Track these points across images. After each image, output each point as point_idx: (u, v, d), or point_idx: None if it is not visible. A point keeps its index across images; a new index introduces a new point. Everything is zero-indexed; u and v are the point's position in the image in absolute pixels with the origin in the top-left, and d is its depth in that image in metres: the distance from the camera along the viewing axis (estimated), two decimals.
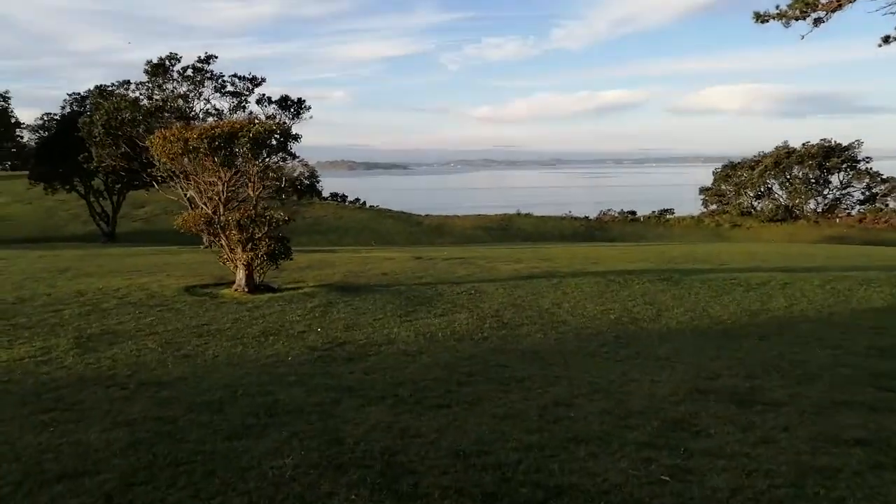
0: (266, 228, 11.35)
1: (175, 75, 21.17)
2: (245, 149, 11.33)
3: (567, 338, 8.48)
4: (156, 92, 20.85)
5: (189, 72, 21.34)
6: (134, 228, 39.92)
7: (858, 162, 62.68)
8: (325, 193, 69.03)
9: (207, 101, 22.36)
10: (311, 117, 22.98)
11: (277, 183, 20.19)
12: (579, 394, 6.08)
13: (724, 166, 66.00)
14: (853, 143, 61.56)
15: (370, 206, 67.06)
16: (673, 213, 67.08)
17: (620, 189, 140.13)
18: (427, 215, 61.12)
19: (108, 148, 21.01)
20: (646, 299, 11.33)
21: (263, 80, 22.48)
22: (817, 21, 13.46)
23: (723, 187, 66.57)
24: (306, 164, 63.12)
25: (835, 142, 61.69)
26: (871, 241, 51.66)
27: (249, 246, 11.24)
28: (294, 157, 22.99)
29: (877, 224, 58.20)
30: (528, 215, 62.36)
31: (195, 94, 22.00)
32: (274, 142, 12.25)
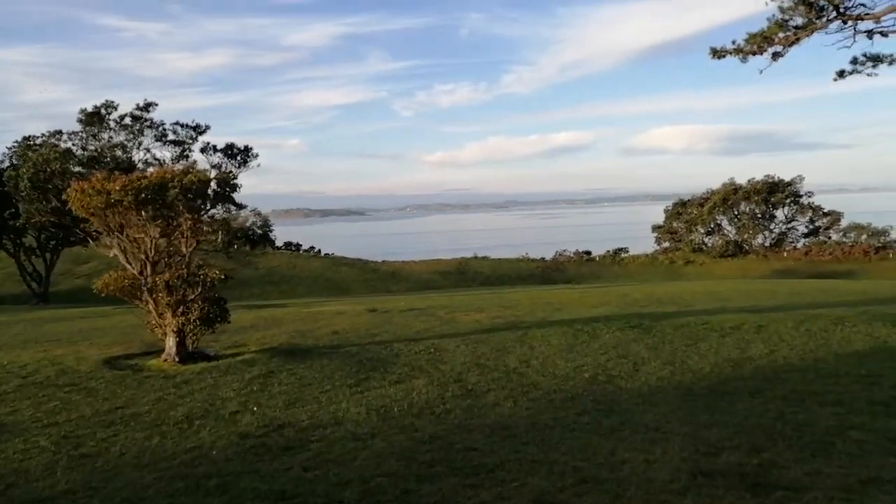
0: (200, 289, 10.09)
1: (112, 124, 19.87)
2: (176, 201, 10.14)
3: (540, 405, 7.42)
4: (90, 142, 19.49)
5: (127, 120, 20.07)
6: (76, 286, 37.62)
7: (801, 197, 64.23)
8: (279, 242, 67.35)
9: (148, 150, 21.06)
10: (258, 165, 21.90)
11: (216, 237, 18.86)
12: (564, 486, 5.01)
13: (675, 204, 67.00)
14: (795, 178, 63.20)
15: (325, 255, 65.62)
16: (627, 251, 67.48)
17: (574, 229, 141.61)
18: (383, 261, 60.00)
19: (36, 203, 19.41)
20: (619, 351, 10.39)
21: (207, 127, 21.36)
22: (775, 55, 13.10)
23: (674, 224, 67.40)
24: (259, 214, 61.59)
25: (778, 178, 63.23)
26: (818, 274, 52.48)
27: (181, 310, 9.95)
28: (240, 206, 21.72)
29: (822, 256, 59.30)
30: (484, 258, 61.81)
31: (134, 144, 20.68)
32: (211, 192, 11.09)
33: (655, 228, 68.67)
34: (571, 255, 65.67)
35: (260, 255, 56.67)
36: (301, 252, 65.68)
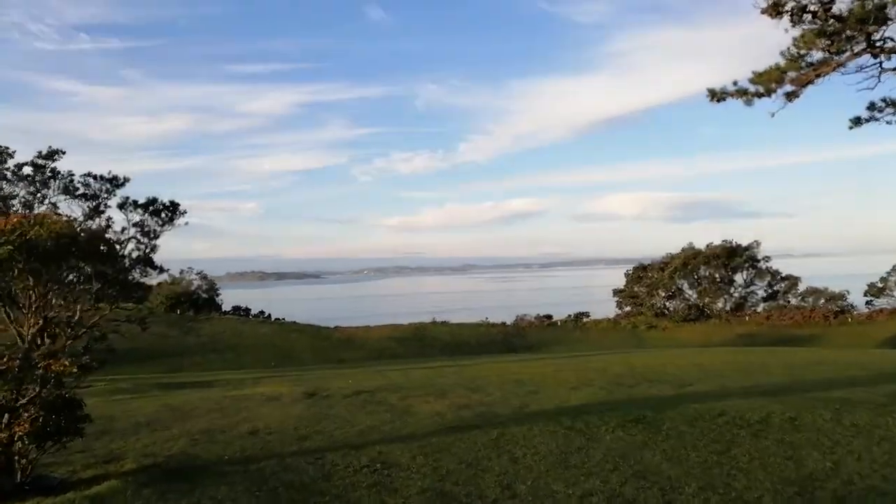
0: (38, 389, 6.99)
1: (7, 174, 16.80)
2: (13, 264, 7.16)
3: None
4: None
5: (27, 170, 17.02)
6: None
7: (758, 261, 63.59)
8: (227, 307, 63.31)
9: (54, 205, 17.88)
10: (186, 223, 18.86)
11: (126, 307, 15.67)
12: None
13: (636, 268, 65.60)
14: (752, 243, 62.63)
15: (275, 320, 61.67)
16: (588, 315, 65.40)
17: (531, 292, 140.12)
18: (336, 327, 56.37)
19: None
20: (631, 466, 7.61)
21: (126, 180, 18.37)
22: (790, 95, 10.98)
23: (635, 289, 65.79)
24: (204, 277, 57.82)
25: (735, 243, 62.61)
26: (781, 338, 51.02)
27: (6, 420, 6.81)
28: (160, 270, 18.55)
29: (783, 321, 58.11)
30: (443, 323, 58.75)
31: (36, 198, 17.52)
32: (75, 250, 8.14)
33: (616, 292, 67.01)
34: (532, 319, 63.24)
35: (205, 320, 52.60)
36: (250, 317, 61.64)
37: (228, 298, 70.64)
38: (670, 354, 25.22)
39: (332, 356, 46.34)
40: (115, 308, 17.62)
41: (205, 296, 55.03)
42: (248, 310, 65.97)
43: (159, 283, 57.20)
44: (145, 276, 18.48)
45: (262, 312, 66.02)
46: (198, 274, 55.26)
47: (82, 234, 8.35)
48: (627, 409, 10.83)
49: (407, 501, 6.42)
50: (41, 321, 7.76)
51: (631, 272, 66.35)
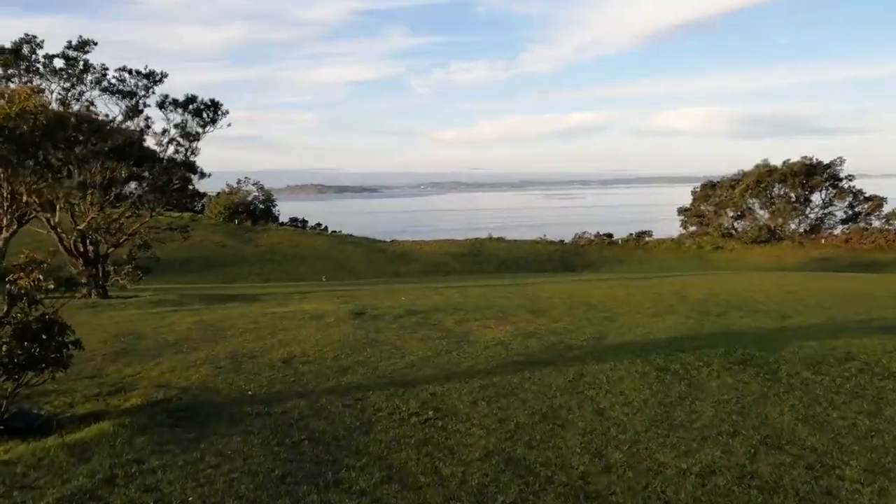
0: (6, 309, 5.58)
1: (39, 67, 15.40)
2: None
3: None
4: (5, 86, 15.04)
5: (58, 62, 15.57)
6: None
7: (840, 180, 58.77)
8: (284, 218, 63.04)
9: (91, 103, 16.51)
10: (229, 125, 17.27)
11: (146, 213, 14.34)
12: None
13: (703, 186, 61.69)
14: (835, 160, 57.73)
15: (332, 232, 61.19)
16: (651, 235, 62.50)
17: (591, 210, 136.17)
18: (392, 241, 55.42)
19: None
20: (757, 430, 5.81)
21: (164, 75, 16.75)
22: None
23: (702, 207, 62.16)
24: (261, 188, 57.27)
25: (816, 160, 57.82)
26: (859, 263, 47.42)
27: None
28: (191, 171, 17.13)
29: (863, 244, 54.05)
30: (500, 240, 57.07)
31: (71, 94, 16.16)
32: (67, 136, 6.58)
33: (682, 211, 63.51)
34: (592, 237, 60.81)
35: (262, 230, 52.37)
36: (307, 229, 61.29)
37: (286, 210, 70.40)
38: (751, 278, 22.90)
39: (388, 269, 45.53)
40: (155, 215, 16.49)
41: (262, 206, 54.60)
42: (304, 221, 65.66)
43: (217, 193, 57.02)
44: (187, 182, 17.14)
45: (318, 224, 65.66)
46: (254, 184, 54.64)
47: (73, 118, 6.72)
48: (726, 344, 8.95)
49: (467, 469, 4.85)
50: (15, 224, 6.25)
51: (698, 190, 62.53)
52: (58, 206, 14.97)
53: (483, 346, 9.14)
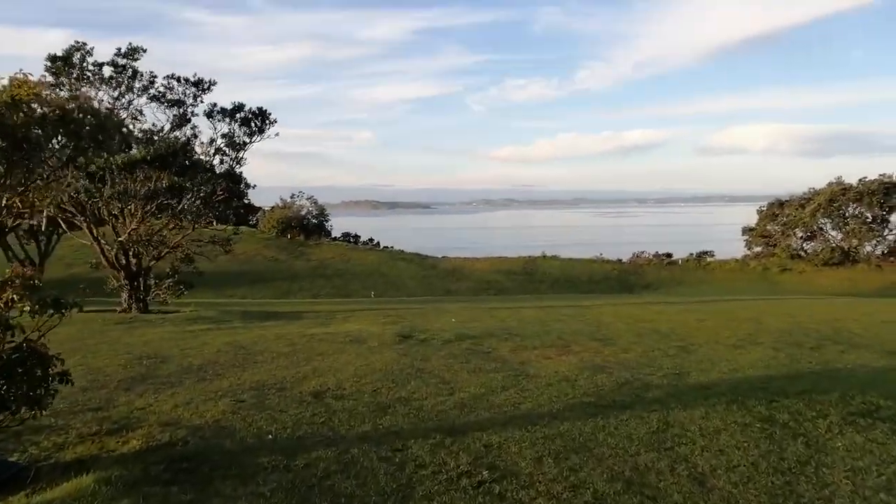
0: None
1: (88, 74, 15.05)
2: None
3: None
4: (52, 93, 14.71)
5: (107, 70, 15.19)
6: (72, 274, 33.13)
7: None
8: (337, 233, 62.99)
9: (140, 111, 16.08)
10: (277, 135, 16.63)
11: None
12: None
13: (770, 204, 58.70)
14: None
15: (383, 248, 60.71)
16: (713, 255, 59.74)
17: (647, 229, 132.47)
18: (443, 257, 54.47)
19: None
20: None
21: (213, 83, 16.28)
22: None
23: (768, 227, 59.10)
24: (315, 202, 57.27)
25: (895, 178, 54.27)
26: None
27: None
28: (245, 184, 16.42)
29: None
30: (554, 258, 55.44)
31: (120, 103, 15.77)
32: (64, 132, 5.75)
33: (746, 231, 60.53)
34: (650, 257, 58.48)
35: (314, 245, 52.21)
36: (359, 244, 60.99)
37: (340, 225, 70.53)
38: (835, 305, 20.86)
39: (438, 287, 44.52)
40: (199, 227, 15.86)
41: (314, 221, 54.51)
42: (357, 237, 65.51)
43: (272, 207, 57.34)
44: (233, 194, 16.46)
45: (370, 240, 65.38)
46: (308, 199, 54.63)
47: (77, 112, 5.86)
48: (839, 389, 7.45)
49: None
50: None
51: (764, 209, 59.53)
52: (105, 217, 14.48)
53: (545, 381, 7.88)
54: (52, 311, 4.78)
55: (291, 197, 54.87)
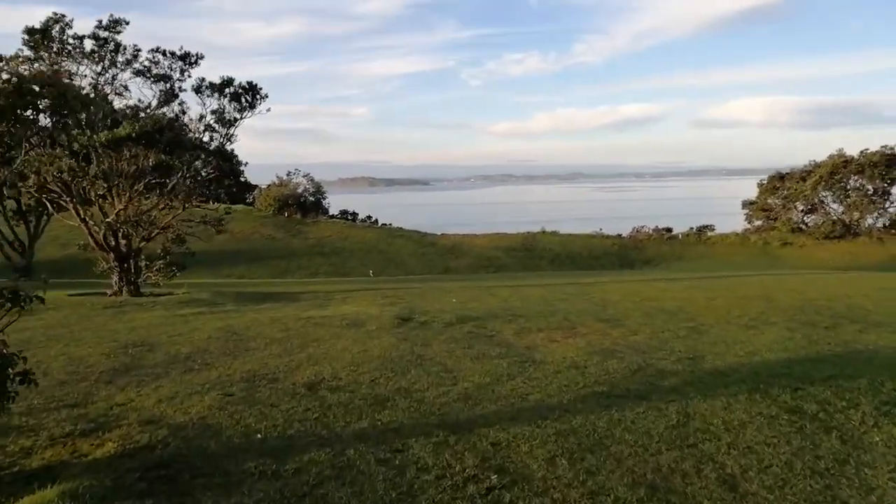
0: None
1: (69, 48, 14.36)
2: None
3: None
4: (30, 68, 14.04)
5: (89, 43, 14.50)
6: (66, 255, 32.44)
7: None
8: (334, 211, 62.32)
9: (125, 87, 15.46)
10: (268, 110, 16.12)
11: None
12: None
13: (771, 177, 58.07)
14: None
15: (382, 225, 60.14)
16: (713, 229, 59.28)
17: (646, 203, 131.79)
18: (442, 234, 53.92)
19: None
20: None
21: (200, 57, 15.59)
22: None
23: (769, 201, 58.51)
24: (311, 180, 56.51)
25: None
26: None
27: None
28: (234, 162, 15.84)
29: None
30: (553, 233, 54.91)
31: (104, 78, 15.12)
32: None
33: (746, 204, 59.95)
34: (650, 231, 57.98)
35: (311, 223, 51.62)
36: (356, 222, 60.39)
37: (337, 203, 69.82)
38: (845, 280, 20.42)
39: (437, 264, 44.07)
40: (188, 207, 15.31)
41: (311, 199, 53.85)
42: (355, 214, 64.88)
43: (268, 185, 56.59)
44: (224, 172, 15.88)
45: (368, 217, 64.78)
46: (304, 176, 53.90)
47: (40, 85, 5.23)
48: (866, 374, 7.00)
49: None
50: None
51: (765, 182, 58.89)
52: (93, 197, 13.93)
53: (553, 368, 7.42)
54: (9, 306, 4.26)
55: (288, 174, 54.14)
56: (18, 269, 22.39)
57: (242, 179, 64.83)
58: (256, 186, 60.34)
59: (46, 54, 14.01)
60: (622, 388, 6.60)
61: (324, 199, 56.07)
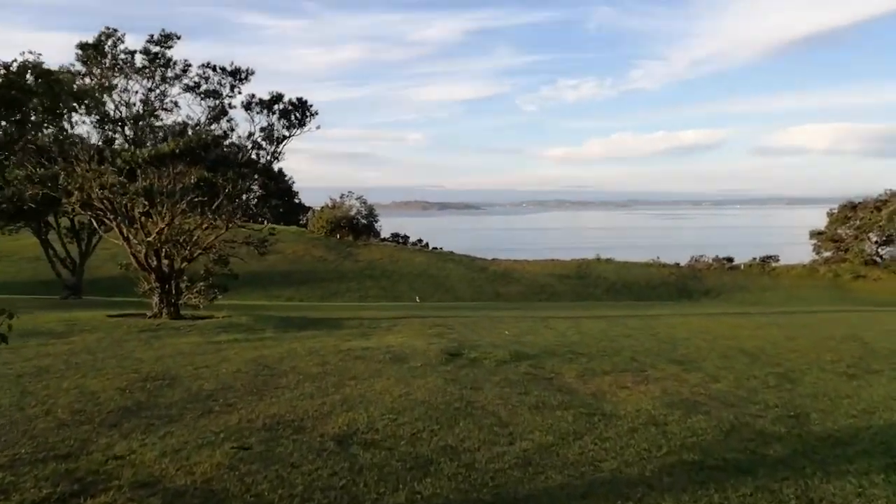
0: None
1: (119, 62, 14.06)
2: None
3: None
4: (82, 80, 13.81)
5: (140, 59, 14.18)
6: (120, 273, 32.42)
7: None
8: (386, 234, 62.04)
9: (175, 104, 15.13)
10: (318, 127, 15.55)
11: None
12: None
13: (842, 207, 55.00)
14: None
15: (432, 249, 59.45)
16: (778, 259, 56.39)
17: (704, 231, 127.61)
18: (493, 259, 52.78)
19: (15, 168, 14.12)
20: None
21: (251, 73, 15.13)
22: None
23: (839, 231, 55.39)
24: (364, 202, 56.39)
25: None
26: None
27: None
28: (277, 180, 15.20)
29: None
30: (608, 261, 53.11)
31: (155, 95, 14.81)
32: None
33: (814, 234, 56.91)
34: (710, 261, 55.55)
35: (363, 245, 51.33)
36: (408, 245, 59.89)
37: (390, 226, 69.58)
38: None
39: (488, 290, 42.93)
40: (232, 227, 14.70)
41: (364, 221, 53.62)
42: (406, 237, 64.50)
43: (322, 207, 56.70)
44: (271, 192, 15.26)
45: (419, 241, 64.29)
46: (357, 199, 53.78)
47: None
48: None
49: None
50: None
51: (836, 211, 55.83)
52: (136, 215, 13.47)
53: (627, 424, 6.22)
54: None
55: (341, 197, 54.13)
56: (69, 285, 22.39)
57: (297, 201, 65.34)
58: (310, 208, 60.63)
59: (98, 70, 13.75)
60: (717, 457, 5.36)
61: (376, 221, 55.80)
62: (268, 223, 53.22)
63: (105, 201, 12.82)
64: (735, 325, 16.21)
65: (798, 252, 59.50)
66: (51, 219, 22.28)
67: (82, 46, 13.19)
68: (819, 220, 63.45)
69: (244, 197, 14.89)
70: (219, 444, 5.36)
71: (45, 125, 13.13)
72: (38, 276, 24.32)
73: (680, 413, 6.67)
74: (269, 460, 5.06)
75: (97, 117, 13.20)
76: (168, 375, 7.88)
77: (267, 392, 7.19)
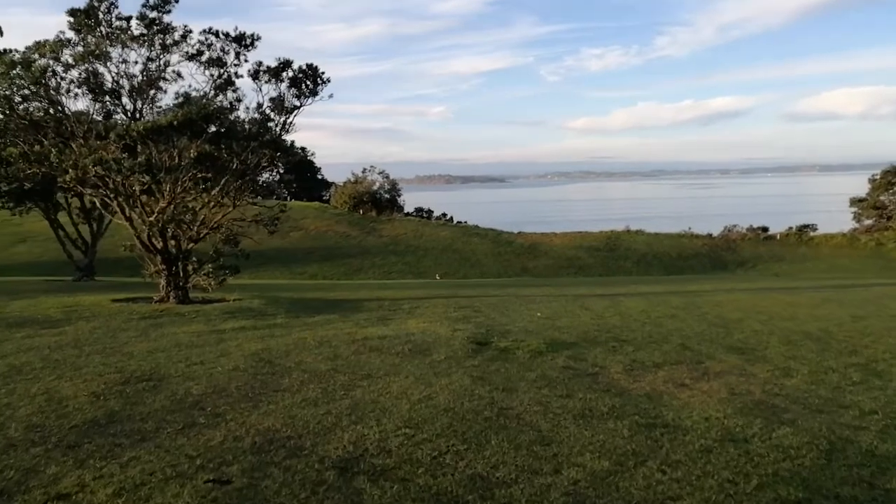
0: None
1: (117, 32, 12.96)
2: None
3: None
4: (73, 48, 12.71)
5: (135, 25, 13.05)
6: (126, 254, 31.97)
7: None
8: (409, 208, 60.95)
9: (178, 74, 14.03)
10: (331, 96, 14.16)
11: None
12: None
13: (885, 172, 52.33)
14: None
15: (457, 223, 58.21)
16: (815, 229, 54.16)
17: (735, 201, 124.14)
18: (519, 233, 51.41)
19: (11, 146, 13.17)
20: None
21: (257, 38, 13.89)
22: None
23: (882, 198, 52.84)
24: (387, 177, 55.28)
25: None
26: None
27: None
28: (289, 152, 14.08)
29: None
30: (639, 232, 51.40)
31: (156, 65, 13.71)
32: None
33: (855, 202, 54.41)
34: (744, 231, 53.53)
35: (386, 220, 50.32)
36: (432, 219, 58.74)
37: (413, 200, 68.40)
38: None
39: (514, 264, 41.67)
40: (241, 204, 13.64)
41: (387, 196, 52.53)
42: (430, 212, 63.38)
43: (344, 183, 55.71)
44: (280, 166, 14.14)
45: (443, 215, 63.12)
46: (380, 174, 52.64)
47: None
48: None
49: None
50: None
51: (878, 177, 53.19)
52: (136, 192, 12.47)
53: (697, 441, 5.01)
54: None
55: (363, 172, 53.07)
56: (81, 267, 21.67)
57: (319, 177, 64.39)
58: (332, 184, 59.68)
59: (91, 38, 12.69)
60: (827, 492, 4.13)
61: (399, 196, 54.70)
62: (289, 199, 52.32)
63: (102, 178, 11.80)
64: (789, 303, 14.78)
65: (835, 220, 57.06)
66: (62, 199, 21.50)
67: (73, 13, 12.16)
68: (855, 186, 60.76)
69: (265, 175, 13.81)
70: (191, 476, 4.27)
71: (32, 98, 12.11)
72: (62, 256, 23.83)
73: (760, 423, 5.44)
74: (250, 496, 3.96)
75: (92, 89, 12.13)
76: (155, 375, 6.84)
77: (264, 397, 6.12)
